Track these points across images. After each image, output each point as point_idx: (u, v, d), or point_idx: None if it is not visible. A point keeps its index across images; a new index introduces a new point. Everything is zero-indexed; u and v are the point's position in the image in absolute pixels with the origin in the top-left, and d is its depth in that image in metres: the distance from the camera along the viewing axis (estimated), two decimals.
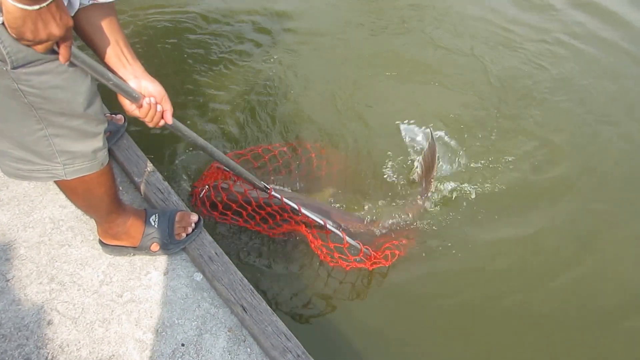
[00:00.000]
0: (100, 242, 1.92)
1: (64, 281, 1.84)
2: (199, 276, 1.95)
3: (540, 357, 2.29)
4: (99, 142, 1.46)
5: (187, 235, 1.97)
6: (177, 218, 1.97)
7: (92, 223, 2.02)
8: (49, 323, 1.73)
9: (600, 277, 2.62)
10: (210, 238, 2.03)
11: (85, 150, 1.44)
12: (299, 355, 1.74)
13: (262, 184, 2.16)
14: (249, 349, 1.77)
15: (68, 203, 2.08)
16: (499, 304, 2.43)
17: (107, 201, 1.69)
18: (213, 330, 1.80)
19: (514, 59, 4.04)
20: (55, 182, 1.51)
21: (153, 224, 1.91)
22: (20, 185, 2.11)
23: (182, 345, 1.74)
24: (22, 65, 1.16)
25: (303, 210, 2.22)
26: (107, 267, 1.91)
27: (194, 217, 2.01)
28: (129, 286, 1.86)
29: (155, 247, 1.91)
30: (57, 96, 1.26)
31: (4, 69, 1.14)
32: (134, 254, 1.94)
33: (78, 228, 2.01)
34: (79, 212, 2.05)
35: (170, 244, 1.94)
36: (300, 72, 3.58)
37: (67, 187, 1.56)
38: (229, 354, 1.74)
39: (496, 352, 2.28)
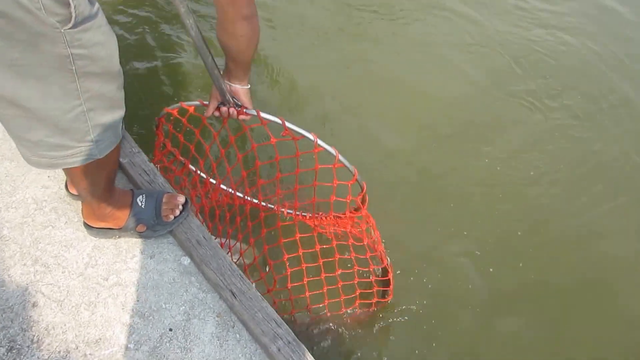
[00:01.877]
0: (85, 224, 1.94)
1: (48, 263, 1.87)
2: (186, 260, 1.99)
3: None
4: (122, 110, 1.51)
5: (174, 217, 2.00)
6: (164, 199, 2.00)
7: (77, 204, 2.05)
8: (34, 305, 1.76)
9: None
10: (198, 222, 2.06)
11: (114, 122, 1.48)
12: (289, 342, 1.79)
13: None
14: (238, 335, 1.82)
15: (51, 183, 2.09)
16: None
17: (110, 179, 1.74)
18: (201, 316, 1.84)
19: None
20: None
21: (140, 204, 1.94)
22: (1, 164, 2.12)
23: (170, 330, 1.78)
24: (81, 22, 1.19)
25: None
26: (92, 249, 1.94)
27: (181, 199, 2.04)
28: (114, 269, 1.89)
29: (141, 227, 1.95)
30: (99, 54, 1.29)
31: (61, 30, 1.16)
32: (119, 236, 1.97)
33: (62, 209, 2.03)
34: (62, 192, 2.07)
35: (157, 225, 1.98)
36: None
37: (80, 169, 1.56)
38: (218, 340, 1.79)
39: None
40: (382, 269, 2.56)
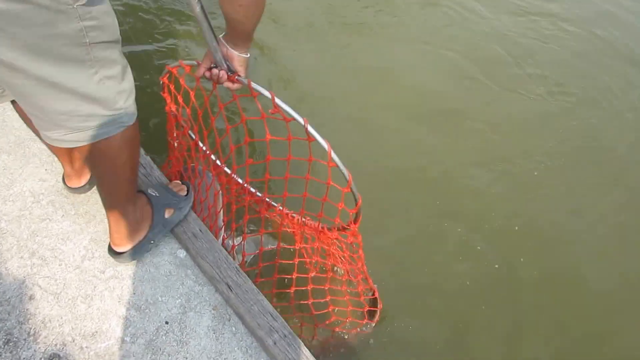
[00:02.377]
0: (118, 254, 1.89)
1: (45, 256, 1.89)
2: (182, 253, 2.00)
3: None
4: (131, 74, 1.52)
5: (186, 194, 2.05)
6: (169, 185, 2.04)
7: (74, 198, 2.07)
8: (31, 298, 1.78)
9: None
10: (194, 215, 2.08)
11: (131, 87, 1.51)
12: (285, 335, 1.81)
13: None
14: (234, 328, 1.84)
15: (48, 176, 2.11)
16: None
17: (136, 175, 1.76)
18: (197, 309, 1.86)
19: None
20: (95, 152, 1.54)
21: (154, 194, 1.96)
22: None
23: (166, 322, 1.80)
24: None
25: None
26: (89, 242, 1.96)
27: (177, 181, 2.09)
28: (111, 262, 1.91)
29: (169, 211, 1.97)
30: (107, 21, 1.32)
31: (74, 6, 1.19)
32: (153, 241, 1.96)
33: (59, 202, 2.05)
34: (60, 186, 2.09)
35: (180, 202, 2.01)
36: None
37: (112, 149, 1.56)
38: (214, 333, 1.81)
39: None
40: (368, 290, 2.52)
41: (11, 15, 1.12)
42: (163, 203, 1.96)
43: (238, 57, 1.65)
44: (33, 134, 1.79)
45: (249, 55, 1.69)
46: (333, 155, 1.68)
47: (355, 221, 1.92)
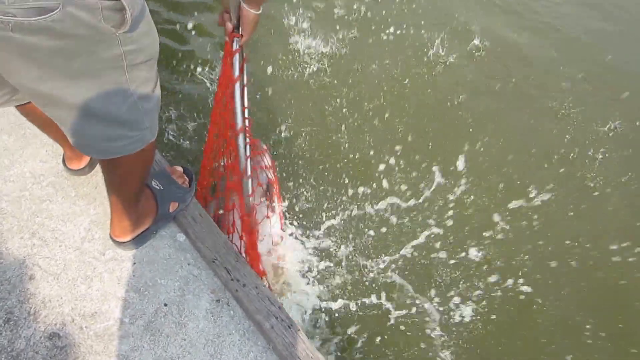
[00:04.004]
0: (121, 244, 1.93)
1: (45, 237, 1.92)
2: (182, 237, 2.04)
3: None
4: (159, 87, 1.52)
5: (189, 183, 2.09)
6: (169, 172, 2.07)
7: (74, 180, 2.10)
8: (31, 278, 1.82)
9: None
10: (194, 199, 2.11)
11: (158, 102, 1.52)
12: (282, 320, 1.85)
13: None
14: (232, 312, 1.88)
15: (49, 158, 2.14)
16: None
17: (146, 178, 1.77)
18: (196, 292, 1.90)
19: None
20: (112, 162, 1.56)
21: (158, 187, 1.99)
22: None
23: (165, 305, 1.84)
24: (134, 24, 1.22)
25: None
26: (89, 224, 1.99)
27: (179, 168, 2.12)
28: (111, 244, 1.94)
29: (173, 205, 2.01)
30: (145, 42, 1.32)
31: (116, 34, 1.19)
32: (156, 232, 2.01)
33: (59, 184, 2.08)
34: (60, 167, 2.12)
35: (184, 195, 2.05)
36: None
37: (129, 162, 1.58)
38: (212, 316, 1.85)
39: None
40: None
41: (53, 51, 1.14)
42: (168, 197, 1.99)
43: (249, 14, 1.65)
44: None
45: (260, 11, 1.67)
46: None
47: None
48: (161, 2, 4.05)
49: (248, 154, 1.91)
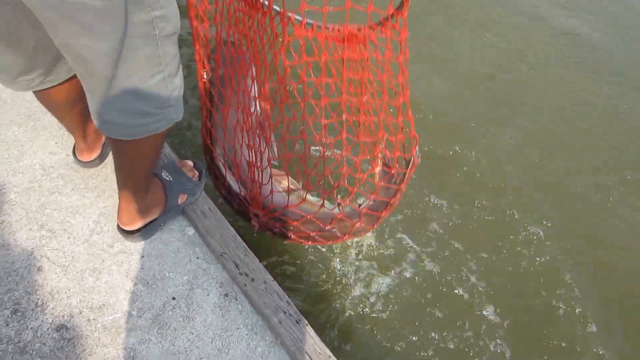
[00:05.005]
0: (128, 232, 1.92)
1: (54, 229, 1.92)
2: (191, 230, 2.04)
3: None
4: (181, 66, 1.52)
5: (199, 177, 2.08)
6: (180, 165, 2.07)
7: (84, 172, 2.10)
8: (39, 269, 1.82)
9: None
10: (204, 193, 2.11)
11: (182, 80, 1.52)
12: (291, 315, 1.84)
13: None
14: (240, 306, 1.87)
15: (58, 150, 2.14)
16: None
17: (156, 163, 1.78)
18: (204, 286, 1.89)
19: None
20: (128, 145, 1.55)
21: (168, 178, 1.98)
22: (9, 129, 2.17)
23: (173, 298, 1.84)
24: None
25: None
26: (98, 216, 1.99)
27: (190, 162, 2.11)
28: (119, 237, 1.94)
29: (182, 198, 2.00)
30: (172, 12, 1.32)
31: None
32: (163, 223, 2.01)
33: (69, 176, 2.08)
34: (70, 159, 2.12)
35: (194, 188, 2.04)
36: None
37: (145, 144, 1.58)
38: (220, 310, 1.84)
39: None
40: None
41: (97, 10, 1.14)
42: (177, 189, 1.99)
43: None
44: (44, 107, 1.82)
45: None
46: None
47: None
48: None
49: None
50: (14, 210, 1.94)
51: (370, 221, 2.02)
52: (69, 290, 1.79)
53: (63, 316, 1.74)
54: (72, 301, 1.77)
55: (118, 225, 1.91)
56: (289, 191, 1.91)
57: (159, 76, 1.38)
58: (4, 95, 2.30)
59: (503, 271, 2.65)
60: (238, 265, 1.92)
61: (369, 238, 2.60)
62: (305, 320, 1.86)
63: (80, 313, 1.75)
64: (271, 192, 1.92)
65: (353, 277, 2.45)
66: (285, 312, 1.85)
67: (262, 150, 1.84)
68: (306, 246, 2.41)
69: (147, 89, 1.38)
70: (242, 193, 2.06)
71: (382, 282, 2.48)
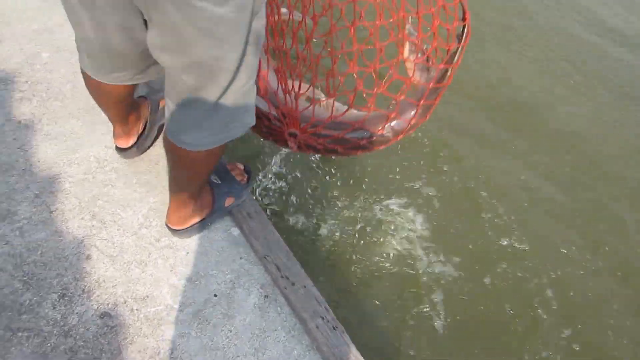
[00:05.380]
0: (174, 230, 1.97)
1: (105, 220, 1.98)
2: (236, 231, 2.07)
3: None
4: None
5: (247, 180, 2.12)
6: (229, 167, 2.11)
7: (136, 166, 2.16)
8: (88, 258, 1.87)
9: None
10: (250, 195, 2.15)
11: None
12: (328, 321, 1.85)
13: None
14: (279, 308, 1.89)
15: (112, 144, 2.21)
16: None
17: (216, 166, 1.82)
18: (246, 286, 1.92)
19: None
20: (190, 156, 1.59)
21: (216, 181, 2.03)
22: (68, 122, 2.25)
23: (215, 295, 1.87)
24: None
25: None
26: (148, 211, 2.04)
27: (240, 165, 2.15)
28: (167, 232, 1.99)
29: (229, 200, 2.04)
30: (263, 22, 1.36)
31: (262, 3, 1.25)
32: (210, 224, 2.05)
33: (122, 170, 2.15)
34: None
35: (241, 191, 2.08)
36: None
37: (209, 155, 1.62)
38: (260, 310, 1.86)
39: None
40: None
41: (232, 22, 1.19)
42: (225, 192, 2.03)
43: None
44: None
45: None
46: None
47: None
48: None
49: None
50: (67, 199, 2.01)
51: (424, 113, 1.91)
52: (115, 279, 1.84)
53: (107, 304, 1.78)
54: (118, 290, 1.82)
55: (166, 224, 1.95)
56: (334, 95, 1.76)
57: (251, 82, 1.43)
58: (65, 89, 2.39)
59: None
60: (280, 268, 1.95)
61: (417, 255, 2.60)
62: (342, 327, 1.87)
63: (125, 302, 1.79)
64: (312, 101, 1.79)
65: (394, 290, 2.45)
66: (323, 318, 1.86)
67: (299, 54, 1.69)
68: (348, 254, 2.42)
69: (242, 95, 1.43)
70: (273, 112, 1.91)
71: (429, 299, 2.48)
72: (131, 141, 2.15)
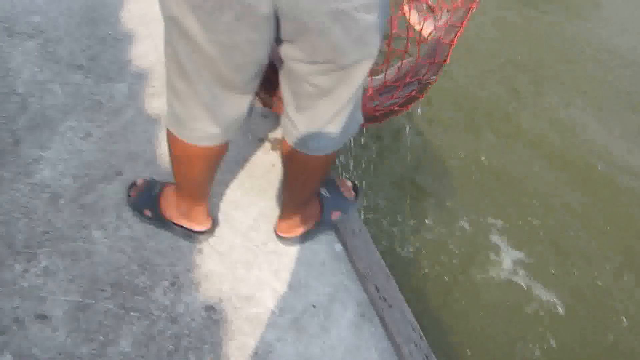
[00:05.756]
0: (282, 238, 2.04)
1: (218, 218, 2.07)
2: (338, 247, 2.11)
3: None
4: None
5: (354, 197, 2.16)
6: (338, 184, 2.16)
7: (250, 170, 2.25)
8: (200, 252, 1.96)
9: None
10: (356, 214, 2.19)
11: None
12: (421, 348, 1.86)
13: None
14: (373, 329, 1.91)
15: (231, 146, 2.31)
16: None
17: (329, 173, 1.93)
18: (343, 301, 1.96)
19: None
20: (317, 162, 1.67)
21: (325, 194, 2.09)
22: None
23: (313, 306, 1.91)
24: None
25: None
26: (257, 215, 2.12)
27: (349, 183, 2.20)
28: (273, 238, 2.06)
29: (336, 214, 2.09)
30: None
31: None
32: (316, 235, 2.10)
33: (237, 173, 2.25)
34: (239, 157, 2.29)
35: (349, 206, 2.13)
36: None
37: (330, 159, 1.69)
38: (355, 328, 1.90)
39: None
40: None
41: (375, 26, 1.25)
42: (333, 205, 2.08)
43: None
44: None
45: None
46: None
47: None
48: None
49: None
50: None
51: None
52: (222, 276, 1.92)
53: (212, 298, 1.86)
54: (223, 287, 1.90)
55: (275, 230, 2.02)
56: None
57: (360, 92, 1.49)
58: None
59: None
60: (378, 289, 1.97)
61: (522, 286, 2.56)
62: (434, 357, 1.87)
63: (229, 299, 1.87)
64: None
65: (496, 324, 2.42)
66: (416, 345, 1.87)
67: None
68: (447, 280, 2.41)
69: (360, 89, 1.47)
70: None
71: (536, 337, 2.44)
72: (210, 222, 2.02)
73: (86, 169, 2.15)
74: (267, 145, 2.42)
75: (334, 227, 2.14)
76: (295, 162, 1.71)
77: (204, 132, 1.51)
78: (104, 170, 2.15)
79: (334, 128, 1.53)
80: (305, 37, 1.23)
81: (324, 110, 1.47)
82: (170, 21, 1.23)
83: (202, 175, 1.77)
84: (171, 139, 1.60)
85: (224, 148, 1.66)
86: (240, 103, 1.47)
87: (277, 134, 2.47)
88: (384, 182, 2.96)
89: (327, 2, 1.12)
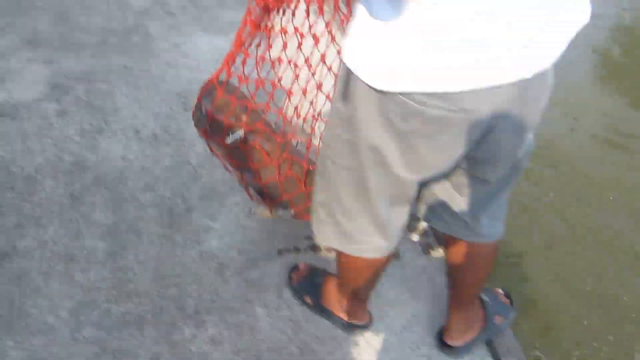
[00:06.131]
0: (451, 348, 1.98)
1: (374, 315, 2.06)
2: None
3: None
4: None
5: (510, 303, 2.13)
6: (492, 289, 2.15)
7: (404, 269, 2.25)
8: (356, 344, 1.97)
9: None
10: (510, 330, 2.13)
11: None
12: None
13: None
14: None
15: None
16: None
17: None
18: None
19: None
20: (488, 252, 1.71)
21: (486, 299, 2.05)
22: None
23: None
24: None
25: None
26: (411, 315, 2.09)
27: (501, 290, 2.17)
28: (427, 341, 2.01)
29: (499, 319, 2.05)
30: None
31: None
32: (482, 341, 2.05)
33: (390, 271, 2.23)
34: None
35: (509, 312, 2.09)
36: None
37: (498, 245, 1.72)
38: None
39: None
40: None
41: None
42: (495, 310, 2.04)
43: None
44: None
45: None
46: None
47: None
48: None
49: None
50: None
51: None
52: None
53: None
54: None
55: (439, 339, 1.99)
56: None
57: None
58: None
59: None
60: None
61: None
62: None
63: None
64: None
65: None
66: None
67: None
68: None
69: None
70: None
71: None
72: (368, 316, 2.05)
73: (250, 244, 2.22)
74: (418, 248, 2.42)
75: (490, 344, 2.08)
76: (471, 257, 1.70)
77: (373, 245, 1.48)
78: (266, 248, 2.22)
79: (502, 211, 1.55)
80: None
81: (501, 196, 1.50)
82: (370, 152, 1.20)
83: (369, 282, 1.80)
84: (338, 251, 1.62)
85: (390, 256, 1.63)
86: (406, 213, 1.46)
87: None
88: None
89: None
